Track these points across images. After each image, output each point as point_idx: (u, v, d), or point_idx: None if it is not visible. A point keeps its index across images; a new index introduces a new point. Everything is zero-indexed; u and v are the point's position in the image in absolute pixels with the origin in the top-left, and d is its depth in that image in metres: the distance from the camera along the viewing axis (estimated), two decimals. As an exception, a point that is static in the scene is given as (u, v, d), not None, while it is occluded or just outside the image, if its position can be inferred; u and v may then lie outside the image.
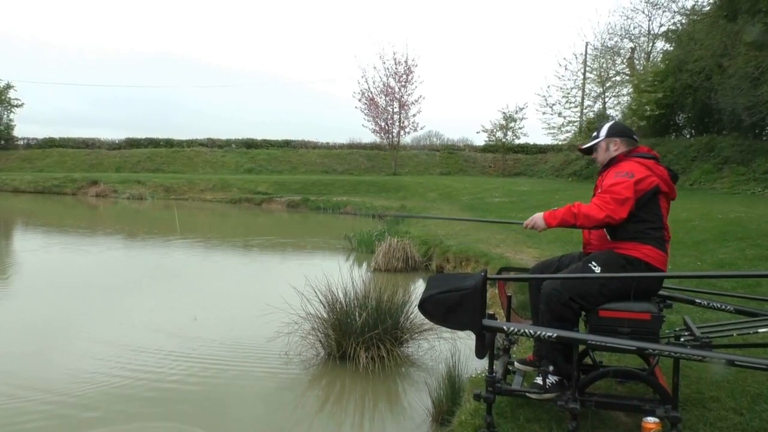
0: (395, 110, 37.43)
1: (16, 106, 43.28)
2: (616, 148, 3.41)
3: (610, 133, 3.44)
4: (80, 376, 5.15)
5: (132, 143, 41.99)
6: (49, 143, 41.94)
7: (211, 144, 41.48)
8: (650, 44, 32.60)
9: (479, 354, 3.02)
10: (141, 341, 6.15)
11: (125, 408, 4.55)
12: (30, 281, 9.89)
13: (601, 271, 3.11)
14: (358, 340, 5.47)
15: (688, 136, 28.91)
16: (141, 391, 4.87)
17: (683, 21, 28.19)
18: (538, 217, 3.31)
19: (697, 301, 3.63)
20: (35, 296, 8.43)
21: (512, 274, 4.26)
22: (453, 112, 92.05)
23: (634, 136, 3.49)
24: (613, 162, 3.35)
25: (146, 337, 6.36)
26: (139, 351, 5.83)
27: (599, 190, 3.31)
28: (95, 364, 5.44)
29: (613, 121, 3.63)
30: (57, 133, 44.08)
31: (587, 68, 32.55)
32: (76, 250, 13.28)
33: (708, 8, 23.89)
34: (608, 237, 3.25)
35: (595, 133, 3.57)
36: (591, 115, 31.99)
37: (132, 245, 14.28)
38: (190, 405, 4.66)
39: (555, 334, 2.89)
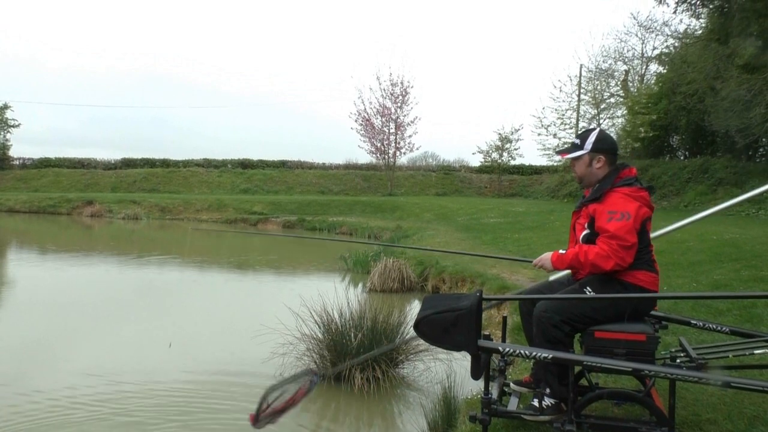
0: (391, 131, 37.68)
1: (13, 126, 43.38)
2: (600, 166, 3.26)
3: (596, 148, 3.25)
4: (62, 398, 5.10)
5: (128, 163, 42.03)
6: (45, 163, 41.92)
7: (207, 164, 41.54)
8: (644, 67, 33.01)
9: (475, 375, 3.01)
10: (134, 361, 6.11)
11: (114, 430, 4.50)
12: (17, 300, 9.82)
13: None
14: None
15: (682, 157, 29.14)
16: (132, 412, 4.82)
17: (676, 44, 28.61)
18: (546, 259, 3.26)
19: (692, 322, 3.62)
20: (22, 315, 8.37)
21: (508, 294, 4.25)
22: (449, 132, 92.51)
23: (618, 151, 3.35)
24: (599, 198, 3.17)
25: (138, 357, 6.31)
26: (132, 371, 5.78)
27: (582, 222, 3.26)
28: (82, 387, 5.38)
29: (599, 132, 3.33)
30: (51, 152, 44.15)
31: (582, 90, 32.81)
32: (68, 269, 13.22)
33: (700, 32, 24.27)
34: None
35: (578, 141, 3.33)
36: (586, 137, 32.17)
37: (125, 265, 14.21)
38: (181, 427, 4.61)
39: (551, 355, 2.87)
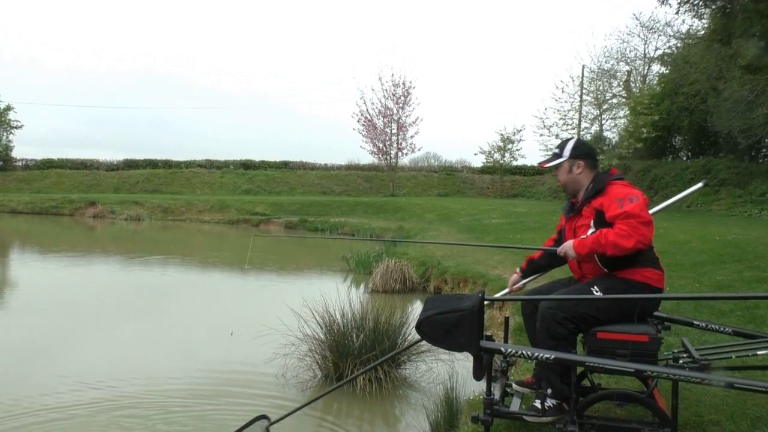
0: (393, 132, 37.69)
1: (16, 127, 43.46)
2: (580, 171, 3.37)
3: (575, 154, 3.39)
4: (62, 399, 5.09)
5: (130, 164, 42.11)
6: (47, 164, 42.01)
7: (209, 165, 41.62)
8: (646, 67, 33.01)
9: (477, 376, 3.00)
10: (135, 361, 6.11)
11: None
12: (19, 301, 9.83)
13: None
14: (355, 362, 5.44)
15: (684, 158, 29.13)
16: (133, 411, 4.82)
17: (678, 45, 28.59)
18: (569, 246, 3.24)
19: (695, 322, 3.61)
20: (24, 316, 8.37)
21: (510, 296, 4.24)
22: (451, 133, 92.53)
23: (597, 157, 3.47)
24: (602, 190, 3.23)
25: (139, 357, 6.32)
26: (133, 371, 5.78)
27: (585, 222, 3.26)
28: (82, 387, 5.38)
29: (576, 140, 3.52)
30: (52, 153, 44.36)
31: (584, 91, 32.81)
32: (70, 270, 13.23)
33: (703, 32, 24.25)
34: (605, 269, 3.18)
35: (557, 150, 3.48)
36: (588, 137, 32.19)
37: (127, 265, 14.23)
38: (183, 428, 4.61)
39: (553, 356, 2.87)
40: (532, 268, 3.80)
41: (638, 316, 3.05)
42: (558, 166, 3.44)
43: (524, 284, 3.82)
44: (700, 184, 3.94)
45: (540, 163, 3.76)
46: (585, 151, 3.43)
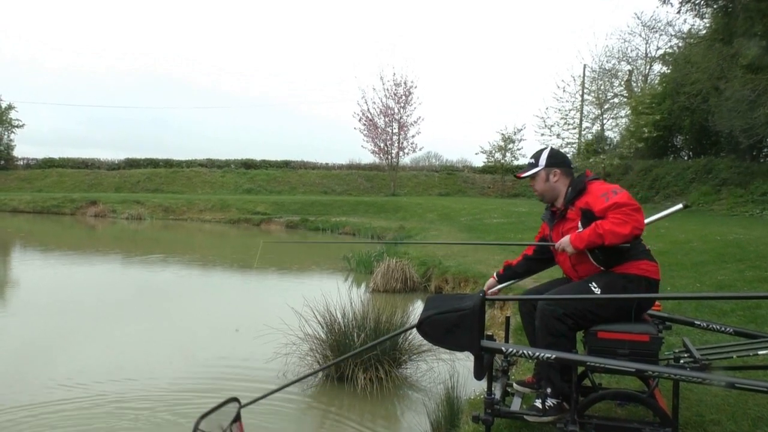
0: (394, 131, 37.66)
1: (17, 126, 43.49)
2: (556, 179, 3.42)
3: (550, 163, 3.44)
4: (62, 398, 5.09)
5: (131, 163, 42.11)
6: (49, 163, 42.01)
7: (210, 164, 41.60)
8: (647, 67, 32.99)
9: (478, 375, 3.00)
10: (136, 361, 6.12)
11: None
12: (19, 301, 9.83)
13: (602, 293, 3.07)
14: (356, 362, 5.44)
15: (686, 157, 29.11)
16: (133, 412, 4.82)
17: (680, 44, 28.57)
18: (566, 242, 3.23)
19: (696, 322, 3.61)
20: (25, 316, 8.38)
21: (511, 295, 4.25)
22: (452, 133, 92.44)
23: (570, 164, 3.52)
24: (582, 192, 3.27)
25: (139, 357, 6.32)
26: (134, 371, 5.78)
27: (573, 225, 3.27)
28: (82, 387, 5.38)
29: (550, 149, 3.57)
30: (53, 153, 44.33)
31: (585, 90, 32.73)
32: (71, 269, 13.24)
33: (704, 32, 24.23)
34: (602, 267, 3.17)
35: (532, 161, 3.53)
36: (589, 136, 32.16)
37: (128, 265, 14.23)
38: (182, 427, 4.61)
39: (554, 356, 2.86)
40: (509, 274, 3.83)
41: (637, 310, 3.06)
42: (535, 176, 3.48)
43: (499, 289, 3.87)
44: (679, 206, 3.95)
45: (516, 174, 3.79)
46: (560, 160, 3.49)
